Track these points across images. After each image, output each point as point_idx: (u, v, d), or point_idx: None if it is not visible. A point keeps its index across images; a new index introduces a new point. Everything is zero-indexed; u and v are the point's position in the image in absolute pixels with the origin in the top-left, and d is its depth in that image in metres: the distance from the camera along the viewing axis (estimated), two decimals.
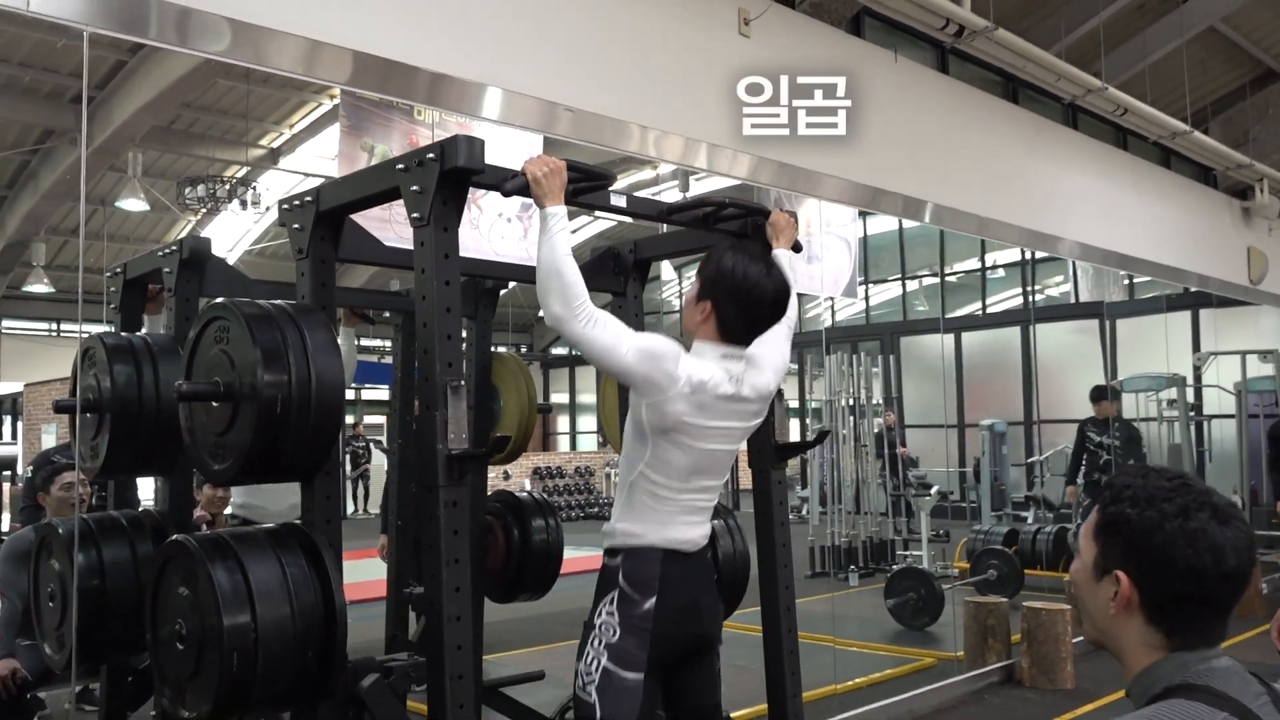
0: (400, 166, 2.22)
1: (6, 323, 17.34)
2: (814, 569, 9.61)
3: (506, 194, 2.19)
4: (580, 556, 6.37)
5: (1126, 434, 7.86)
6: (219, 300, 2.40)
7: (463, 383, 2.16)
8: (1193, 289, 8.25)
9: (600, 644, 2.25)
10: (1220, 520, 1.25)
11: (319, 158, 13.91)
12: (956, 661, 5.57)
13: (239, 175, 13.94)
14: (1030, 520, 10.19)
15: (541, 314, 2.22)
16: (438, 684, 2.12)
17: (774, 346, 2.45)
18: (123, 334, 3.13)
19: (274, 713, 2.43)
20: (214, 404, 2.30)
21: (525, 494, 3.89)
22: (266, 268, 17.41)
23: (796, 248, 2.71)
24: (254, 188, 12.09)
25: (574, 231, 16.58)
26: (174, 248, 3.04)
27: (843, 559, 9.60)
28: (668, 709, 2.54)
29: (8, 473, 4.37)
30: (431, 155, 2.14)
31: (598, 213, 13.91)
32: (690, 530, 2.34)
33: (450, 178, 2.15)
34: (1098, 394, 8.22)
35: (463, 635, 2.12)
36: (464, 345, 3.83)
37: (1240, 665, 1.29)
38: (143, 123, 11.14)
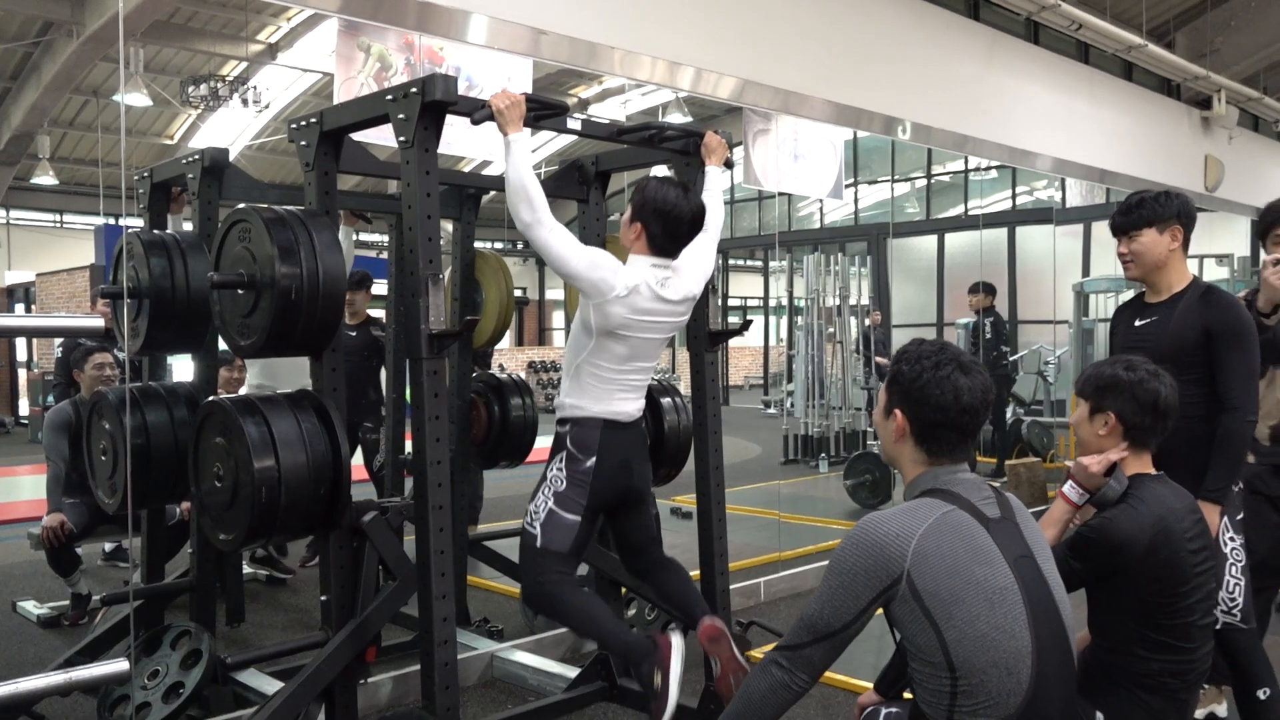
0: (389, 98, 2.68)
1: (14, 214, 17.71)
2: (787, 456, 10.27)
3: (475, 123, 2.66)
4: None
5: (994, 323, 8.94)
6: (241, 206, 2.87)
7: (440, 275, 2.67)
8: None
9: (549, 491, 2.85)
10: (963, 370, 1.79)
11: (317, 53, 14.10)
12: None
13: (238, 72, 14.15)
14: (1009, 414, 10.76)
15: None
16: (422, 514, 2.69)
17: (697, 256, 2.96)
18: (154, 231, 3.62)
19: (294, 539, 3.01)
20: (240, 292, 2.80)
21: (505, 375, 4.44)
22: (265, 162, 17.70)
23: (729, 164, 3.19)
24: (254, 87, 12.34)
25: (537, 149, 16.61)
26: (196, 157, 3.51)
27: (815, 447, 10.27)
28: (618, 549, 3.14)
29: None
30: (415, 90, 2.61)
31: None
32: (626, 405, 2.89)
33: (430, 109, 2.62)
34: (970, 289, 9.15)
35: (442, 475, 2.68)
36: (451, 244, 4.32)
37: (980, 478, 1.85)
38: (143, 17, 11.35)
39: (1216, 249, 10.01)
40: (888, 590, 1.69)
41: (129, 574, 5.29)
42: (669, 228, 2.82)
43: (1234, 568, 2.74)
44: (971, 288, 9.18)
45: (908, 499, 1.84)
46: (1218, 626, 2.62)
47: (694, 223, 2.87)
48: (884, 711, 2.11)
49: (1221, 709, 3.48)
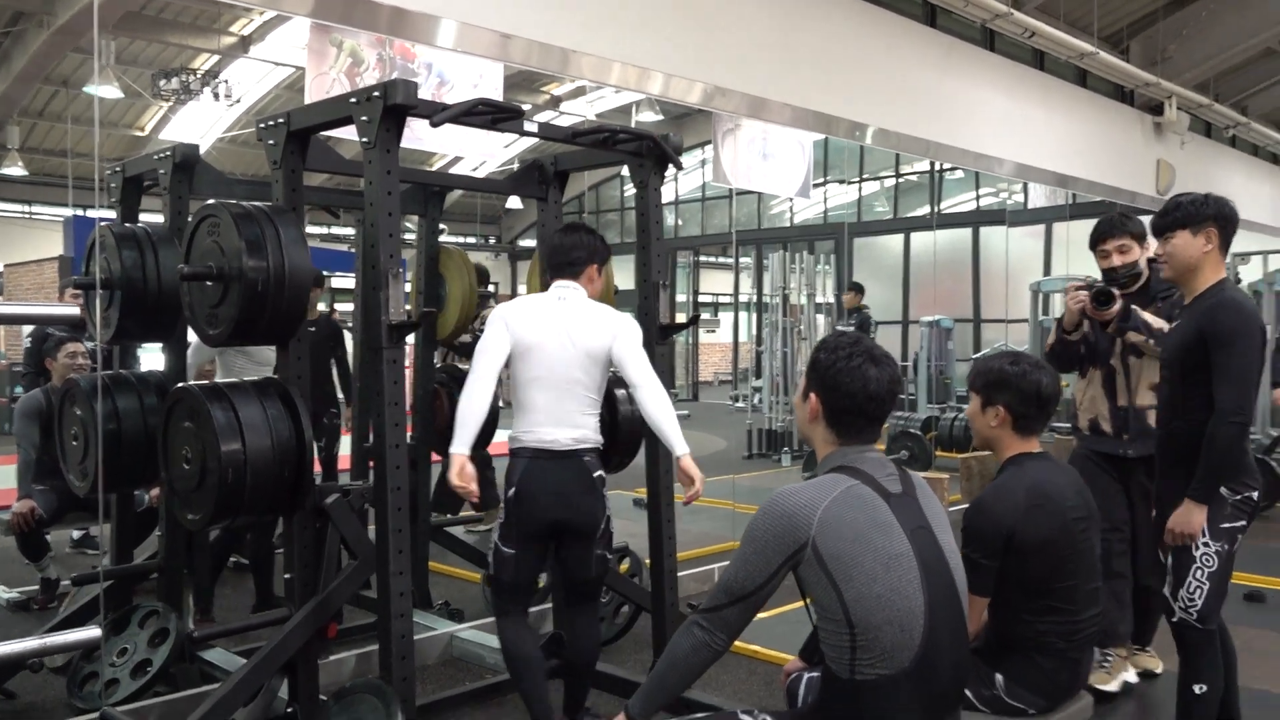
0: (353, 101, 2.83)
1: None
2: (750, 450, 10.47)
3: (435, 125, 2.82)
4: None
5: (860, 321, 9.28)
6: (211, 202, 3.00)
7: (401, 270, 2.83)
8: (1099, 199, 8.93)
9: (497, 523, 3.06)
10: (873, 361, 1.98)
11: (290, 47, 14.13)
12: None
13: (209, 65, 14.16)
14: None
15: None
16: (381, 494, 2.84)
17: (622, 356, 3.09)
18: (126, 224, 3.74)
19: (259, 519, 3.14)
20: (209, 283, 2.93)
21: (467, 367, 4.58)
22: (237, 155, 17.70)
23: (677, 166, 3.37)
24: (225, 81, 12.39)
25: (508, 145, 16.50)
26: (168, 153, 3.63)
27: (778, 442, 10.47)
28: (557, 578, 3.29)
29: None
30: (377, 94, 2.75)
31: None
32: (558, 433, 3.00)
33: (391, 112, 2.77)
34: (848, 287, 9.61)
35: (399, 458, 2.83)
36: (416, 238, 4.46)
37: (884, 457, 2.03)
38: (115, 8, 11.35)
39: None
40: (795, 555, 1.87)
41: (97, 560, 5.40)
42: (555, 259, 3.12)
43: (1199, 571, 2.76)
44: (846, 288, 9.62)
45: (819, 475, 2.02)
46: (1174, 619, 2.79)
47: (574, 247, 3.12)
48: (806, 676, 2.30)
49: (1131, 676, 3.78)
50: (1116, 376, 3.70)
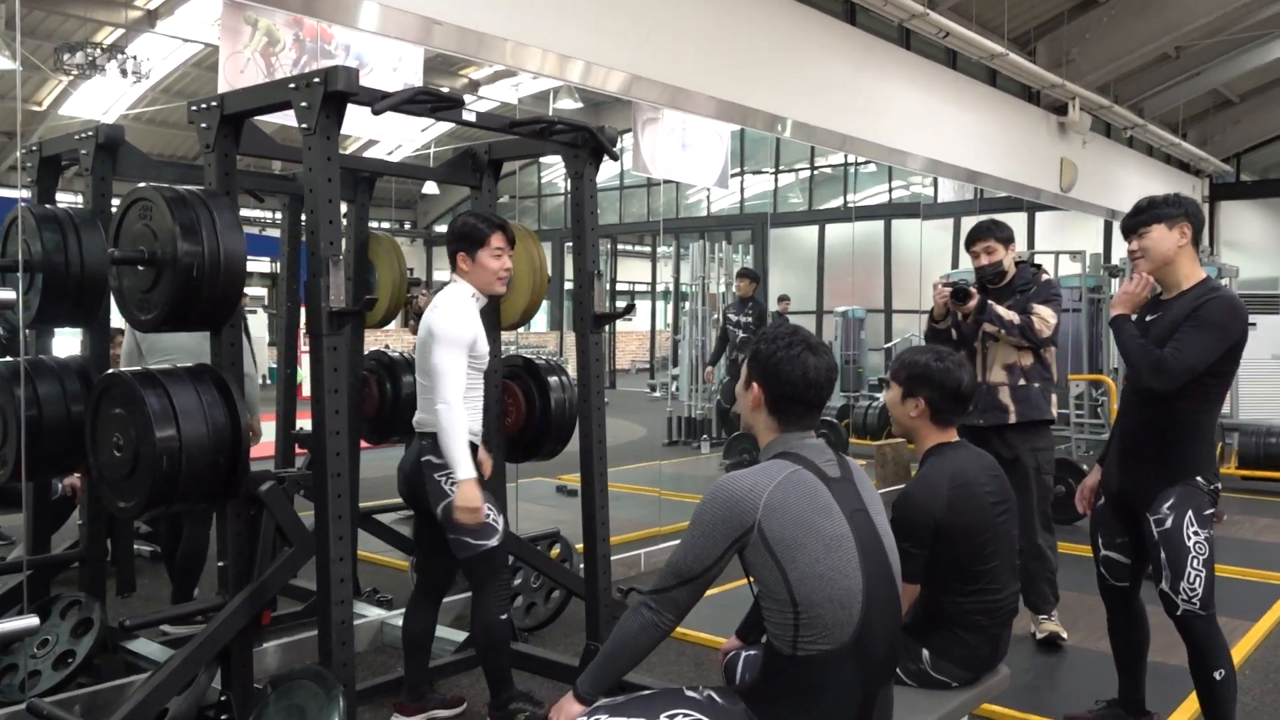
0: (292, 86, 2.81)
1: None
2: (670, 437, 10.58)
3: (377, 113, 2.82)
4: None
5: (757, 311, 9.18)
6: (142, 185, 2.94)
7: (342, 256, 2.82)
8: (1005, 194, 9.27)
9: None
10: (811, 351, 2.07)
11: (199, 23, 13.70)
12: None
13: (114, 39, 13.67)
14: (882, 399, 11.22)
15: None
16: (321, 481, 2.84)
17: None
18: (45, 205, 3.64)
19: (193, 507, 3.11)
20: (140, 268, 2.88)
21: (397, 354, 4.57)
22: (143, 133, 17.11)
23: (613, 157, 3.43)
24: (134, 57, 11.97)
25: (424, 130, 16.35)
26: (90, 133, 3.54)
27: (697, 429, 10.61)
28: None
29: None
30: (317, 80, 2.74)
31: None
32: (417, 416, 3.29)
33: (332, 98, 2.75)
34: (739, 274, 9.49)
35: (340, 445, 2.84)
36: (343, 225, 4.42)
37: (824, 443, 2.13)
38: None
39: (1070, 246, 10.70)
40: (742, 538, 1.96)
41: (5, 550, 5.24)
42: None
43: (1195, 560, 2.85)
44: (738, 275, 9.54)
45: (762, 460, 2.11)
46: (1177, 614, 2.88)
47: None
48: (744, 654, 2.39)
49: (1064, 632, 4.18)
50: (976, 357, 4.16)
